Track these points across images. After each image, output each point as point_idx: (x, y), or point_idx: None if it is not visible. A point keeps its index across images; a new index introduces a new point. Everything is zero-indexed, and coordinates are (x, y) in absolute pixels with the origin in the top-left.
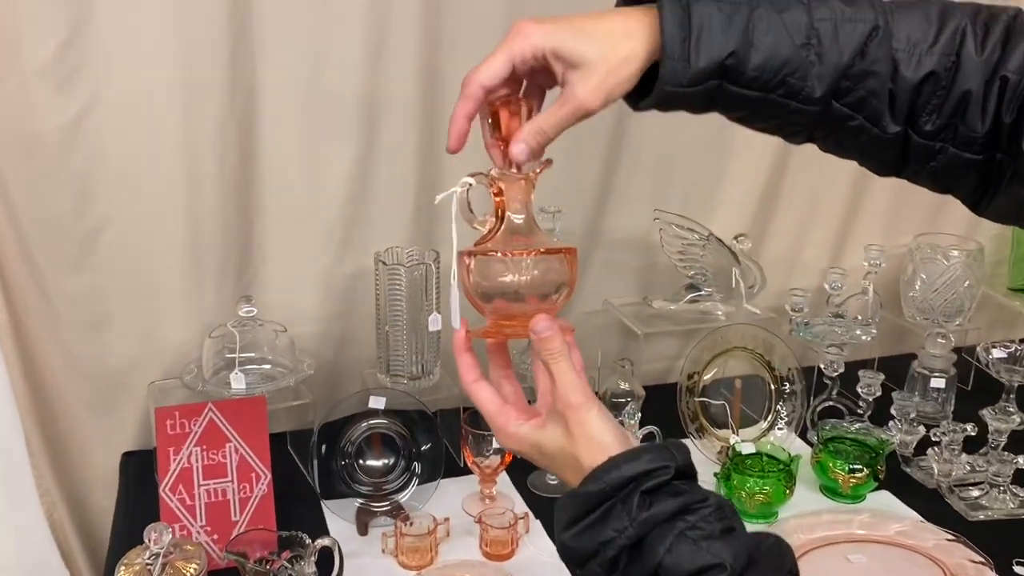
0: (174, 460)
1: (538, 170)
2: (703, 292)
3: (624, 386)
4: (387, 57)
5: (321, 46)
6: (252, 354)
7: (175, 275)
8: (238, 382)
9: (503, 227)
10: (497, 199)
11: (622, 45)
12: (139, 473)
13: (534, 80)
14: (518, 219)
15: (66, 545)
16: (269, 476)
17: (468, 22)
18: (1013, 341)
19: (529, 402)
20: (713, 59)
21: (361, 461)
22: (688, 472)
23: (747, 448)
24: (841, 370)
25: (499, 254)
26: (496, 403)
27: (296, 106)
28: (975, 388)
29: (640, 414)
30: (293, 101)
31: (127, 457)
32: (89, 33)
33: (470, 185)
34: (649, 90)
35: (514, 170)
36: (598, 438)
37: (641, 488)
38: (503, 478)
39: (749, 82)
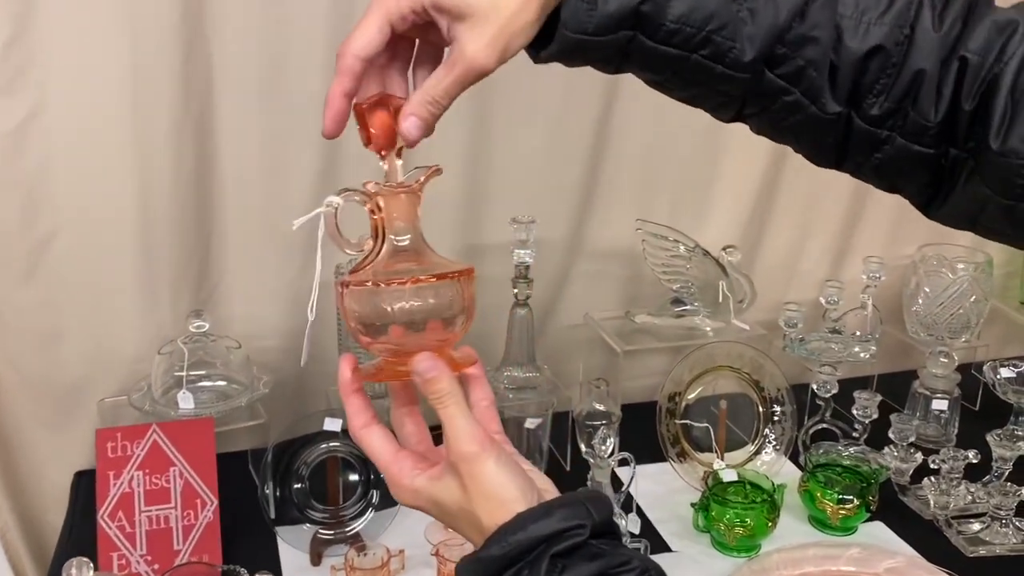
0: (114, 484)
1: (422, 179)
2: (689, 307)
3: (599, 407)
4: None
5: (281, 45)
6: (205, 372)
7: (129, 287)
8: (186, 402)
9: (383, 250)
10: (375, 217)
11: None
12: (89, 494)
13: (426, 38)
14: (402, 241)
15: (20, 566)
16: (215, 502)
17: None
18: (1021, 359)
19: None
20: (625, 3)
21: (317, 486)
22: (608, 529)
23: (729, 475)
24: (835, 391)
25: (375, 284)
26: (389, 451)
27: (256, 109)
28: (984, 409)
29: (617, 438)
30: (252, 104)
31: (78, 477)
32: (33, 32)
33: (338, 206)
34: (551, 37)
35: (394, 182)
36: (498, 493)
37: (552, 551)
38: None
39: (668, 36)
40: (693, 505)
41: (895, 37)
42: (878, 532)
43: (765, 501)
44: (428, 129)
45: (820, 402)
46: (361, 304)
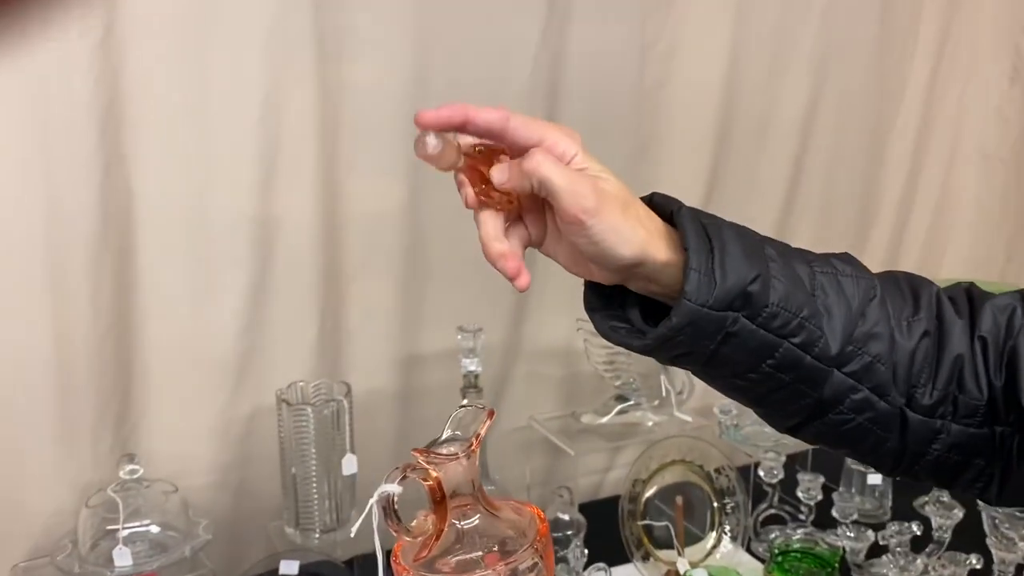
0: None
1: (481, 431)
2: (632, 402)
3: (564, 517)
4: (281, 175)
5: (206, 166)
6: (137, 521)
7: (42, 433)
8: (123, 558)
9: (445, 527)
10: (429, 483)
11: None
12: None
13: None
14: (469, 524)
15: None
16: None
17: (367, 135)
18: None
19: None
20: (740, 279)
21: None
22: None
23: (699, 575)
24: (781, 476)
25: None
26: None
27: (179, 233)
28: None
29: (586, 548)
30: (176, 227)
31: None
32: None
33: (394, 496)
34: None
35: (448, 452)
36: None
37: None
38: None
39: (768, 319)
40: None
41: (931, 328)
42: None
43: None
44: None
45: (767, 488)
46: None
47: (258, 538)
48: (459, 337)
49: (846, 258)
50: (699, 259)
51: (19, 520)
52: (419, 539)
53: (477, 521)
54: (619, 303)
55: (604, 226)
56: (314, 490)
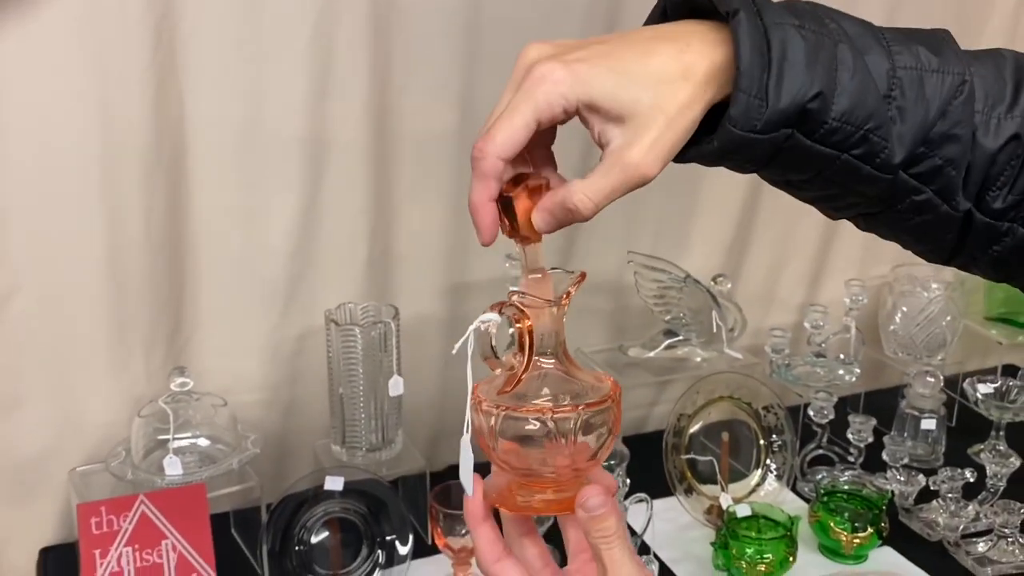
0: (101, 564)
1: (572, 290)
2: (681, 337)
3: None
4: (332, 96)
5: (257, 85)
6: (188, 433)
7: (97, 346)
8: (173, 467)
9: (530, 368)
10: (519, 326)
11: (680, 89)
12: (60, 572)
13: (539, 139)
14: (548, 355)
15: None
16: (214, 575)
17: (419, 58)
18: (993, 372)
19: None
20: (796, 99)
21: (317, 549)
22: None
23: (743, 510)
24: (831, 416)
25: (539, 412)
26: None
27: (231, 152)
28: (960, 424)
29: (627, 479)
30: (227, 147)
31: (45, 554)
32: None
33: (494, 323)
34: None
35: (535, 275)
36: None
37: None
38: None
39: (827, 135)
40: (713, 544)
41: (1022, 129)
42: (889, 558)
43: (784, 535)
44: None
45: (816, 428)
46: (515, 430)
47: (304, 455)
48: (507, 265)
49: (937, 43)
50: (751, 78)
51: (76, 428)
52: (503, 375)
53: (558, 372)
54: None
55: (662, 160)
56: (360, 410)
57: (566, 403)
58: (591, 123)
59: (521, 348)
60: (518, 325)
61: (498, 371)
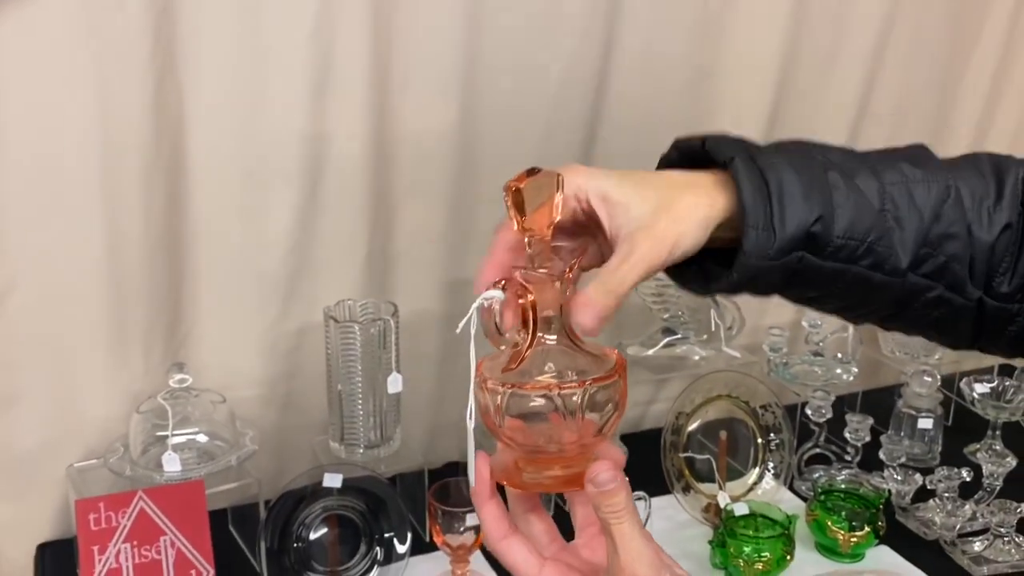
0: (99, 560)
1: (574, 263)
2: (679, 336)
3: None
4: (331, 93)
5: (257, 82)
6: (186, 429)
7: (95, 342)
8: (172, 464)
9: (534, 343)
10: (522, 302)
11: (687, 194)
12: (57, 568)
13: (580, 234)
14: (551, 331)
15: None
16: (212, 572)
17: (419, 55)
18: (990, 372)
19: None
20: (800, 225)
21: (316, 546)
22: None
23: (740, 509)
24: (829, 415)
25: (545, 388)
26: (535, 564)
27: (230, 149)
28: (956, 424)
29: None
30: (226, 144)
31: (43, 549)
32: None
33: (497, 300)
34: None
35: (542, 270)
36: None
37: None
38: (477, 557)
39: (835, 252)
40: (710, 542)
41: (1013, 219)
42: (886, 557)
43: (781, 534)
44: (606, 320)
45: (814, 427)
46: (521, 407)
47: (303, 451)
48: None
49: (917, 157)
50: (757, 214)
51: (75, 424)
52: (508, 352)
53: (562, 348)
54: None
55: (670, 244)
56: (359, 407)
57: (572, 379)
58: (601, 215)
59: (525, 324)
60: (521, 301)
61: (502, 347)
